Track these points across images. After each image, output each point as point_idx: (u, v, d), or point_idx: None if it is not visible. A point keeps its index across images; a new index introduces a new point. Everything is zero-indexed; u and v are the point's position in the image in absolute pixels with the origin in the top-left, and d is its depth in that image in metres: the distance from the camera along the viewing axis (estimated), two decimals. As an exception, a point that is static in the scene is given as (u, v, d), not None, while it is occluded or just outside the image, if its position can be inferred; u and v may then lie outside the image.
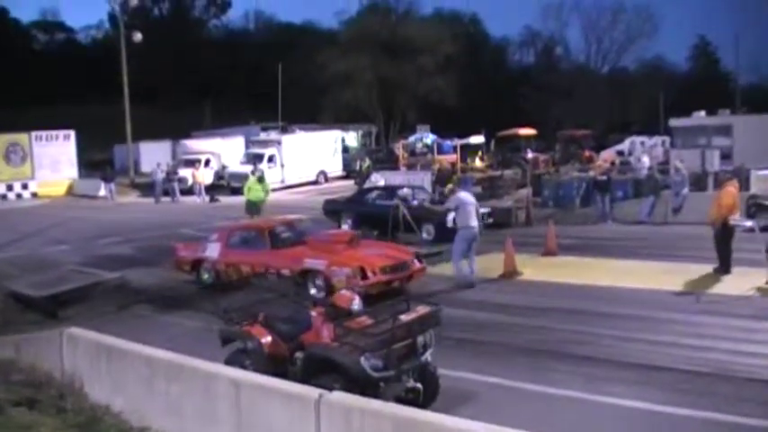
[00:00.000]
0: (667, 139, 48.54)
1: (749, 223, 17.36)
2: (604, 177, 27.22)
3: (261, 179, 28.06)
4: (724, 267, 16.38)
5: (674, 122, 45.43)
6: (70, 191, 45.37)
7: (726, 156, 35.93)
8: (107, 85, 55.19)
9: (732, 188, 17.05)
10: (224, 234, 18.48)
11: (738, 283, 15.38)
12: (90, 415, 9.03)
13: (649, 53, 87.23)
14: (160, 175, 41.25)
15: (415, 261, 16.68)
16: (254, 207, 26.73)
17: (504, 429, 6.09)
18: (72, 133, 46.18)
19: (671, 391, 9.69)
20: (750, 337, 11.84)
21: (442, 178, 34.07)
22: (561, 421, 8.81)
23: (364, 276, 15.37)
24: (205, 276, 17.84)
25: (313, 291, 15.93)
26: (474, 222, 16.94)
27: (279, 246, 17.09)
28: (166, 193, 40.57)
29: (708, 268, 16.53)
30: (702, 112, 44.47)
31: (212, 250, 17.92)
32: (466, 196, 17.54)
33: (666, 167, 33.39)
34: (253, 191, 27.05)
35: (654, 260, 18.54)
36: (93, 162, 49.96)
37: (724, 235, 16.47)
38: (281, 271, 16.43)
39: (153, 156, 46.30)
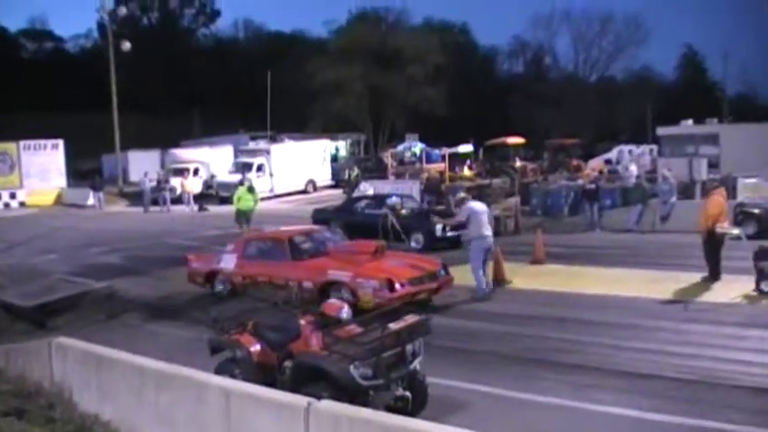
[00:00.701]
0: (655, 147, 48.76)
1: (736, 231, 17.45)
2: (593, 186, 27.32)
3: (251, 189, 28.02)
4: (712, 275, 16.48)
5: (662, 131, 45.69)
6: (59, 200, 45.19)
7: (713, 164, 36.14)
8: (96, 93, 55.05)
9: (719, 196, 17.15)
10: (240, 245, 17.67)
11: (726, 290, 15.48)
12: (79, 424, 9.03)
13: (637, 63, 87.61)
14: (148, 185, 41.19)
15: (442, 272, 15.94)
16: (243, 216, 26.68)
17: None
18: (60, 142, 46.05)
19: (659, 399, 9.74)
20: (737, 345, 11.91)
21: (430, 187, 34.17)
22: (550, 429, 8.86)
23: (391, 288, 14.67)
24: (220, 288, 17.12)
25: None
26: (487, 231, 16.53)
27: (300, 257, 16.35)
28: (155, 202, 40.46)
29: (696, 276, 16.63)
30: (690, 121, 44.75)
31: (228, 262, 17.22)
32: (477, 205, 17.07)
33: (654, 176, 33.48)
34: (242, 200, 26.96)
35: (642, 268, 18.62)
36: (82, 171, 49.89)
37: (711, 243, 16.57)
38: (303, 283, 15.51)
39: (142, 165, 46.20)
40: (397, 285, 14.73)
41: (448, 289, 15.92)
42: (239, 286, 16.35)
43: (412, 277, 15.15)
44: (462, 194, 19.00)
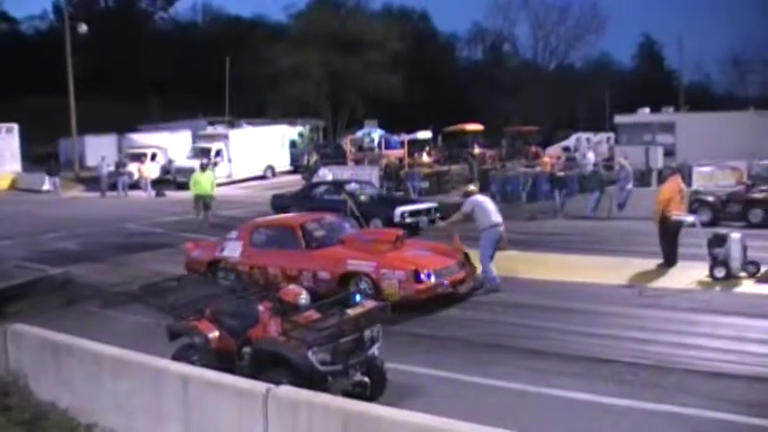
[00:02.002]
0: (612, 135, 49.25)
1: (691, 218, 17.68)
2: (561, 174, 27.56)
3: (203, 167, 27.56)
4: (667, 261, 16.75)
5: (619, 119, 46.10)
6: (14, 185, 44.70)
7: (669, 153, 36.56)
8: (52, 77, 54.22)
9: (672, 183, 17.42)
10: (247, 231, 16.43)
11: (680, 277, 15.71)
12: (35, 412, 8.95)
13: (596, 51, 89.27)
14: (106, 169, 40.79)
15: (466, 262, 15.22)
16: (200, 202, 26.12)
17: (451, 422, 6.17)
18: (15, 126, 45.49)
19: (614, 383, 9.86)
20: (691, 330, 12.08)
21: (389, 173, 34.27)
22: (508, 414, 8.91)
23: (418, 280, 13.83)
24: (223, 278, 15.45)
25: (358, 297, 14.50)
26: (498, 219, 15.81)
27: (314, 245, 15.26)
28: (113, 187, 40.07)
29: (651, 263, 16.87)
30: (647, 110, 45.22)
31: (233, 250, 16.06)
32: (481, 197, 16.57)
33: (611, 164, 33.88)
34: (198, 184, 26.29)
35: (599, 255, 18.84)
36: (38, 156, 49.26)
37: (664, 228, 16.83)
38: (319, 274, 14.61)
39: (99, 149, 45.84)
40: (424, 277, 13.90)
41: (471, 280, 15.14)
42: (246, 276, 15.15)
43: (439, 268, 14.34)
44: (472, 187, 17.88)
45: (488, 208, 15.94)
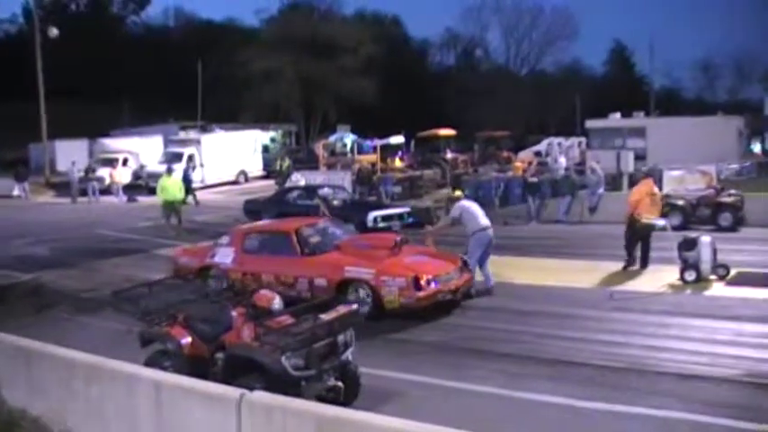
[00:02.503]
0: (584, 140, 49.52)
1: (662, 222, 17.83)
2: (535, 179, 27.65)
3: (170, 171, 26.90)
4: (628, 262, 17.05)
5: (591, 124, 46.39)
6: (-19, 191, 44.21)
7: (640, 157, 36.81)
8: (21, 81, 53.72)
9: (644, 186, 17.62)
10: (239, 237, 16.04)
11: (651, 280, 15.86)
12: (7, 420, 8.87)
13: (567, 56, 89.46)
14: (76, 174, 40.48)
15: (465, 268, 14.82)
16: (170, 208, 25.50)
17: (424, 425, 6.19)
18: (-18, 131, 45.05)
19: (587, 386, 9.93)
20: (662, 332, 12.18)
21: (362, 178, 34.26)
22: (482, 417, 8.95)
23: (418, 287, 13.43)
24: (213, 286, 14.40)
25: (355, 306, 14.14)
26: (486, 222, 15.81)
27: (309, 251, 14.86)
28: (83, 192, 39.77)
29: (622, 266, 17.05)
30: (618, 115, 45.59)
31: (224, 256, 15.68)
32: (467, 202, 16.56)
33: (583, 168, 34.02)
34: (166, 190, 25.53)
35: (570, 258, 18.95)
36: (7, 161, 48.79)
37: (631, 230, 17.10)
38: (316, 281, 14.22)
39: (69, 154, 45.34)
40: (425, 283, 13.50)
41: (469, 286, 14.84)
42: (238, 284, 14.10)
43: (439, 274, 13.96)
44: (458, 192, 18.02)
45: (476, 212, 15.94)
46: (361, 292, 13.81)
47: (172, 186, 25.80)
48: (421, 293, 13.37)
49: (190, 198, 34.94)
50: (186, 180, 36.75)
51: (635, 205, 17.01)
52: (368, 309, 13.42)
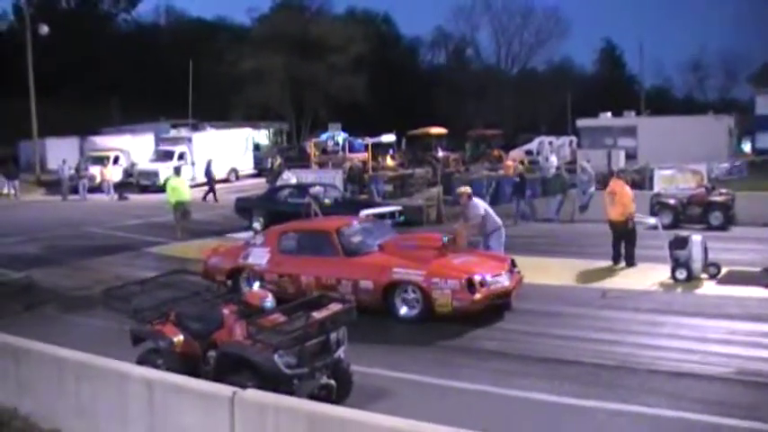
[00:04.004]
0: (575, 139, 49.69)
1: (653, 221, 17.84)
2: (517, 179, 27.64)
3: (178, 171, 26.54)
4: (613, 259, 17.24)
5: (582, 123, 46.57)
6: (-29, 188, 44.00)
7: (631, 156, 36.96)
8: (12, 78, 53.47)
9: (613, 185, 17.75)
10: (274, 237, 15.36)
11: (643, 278, 15.89)
12: (-4, 419, 8.84)
13: (558, 55, 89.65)
14: (67, 172, 40.37)
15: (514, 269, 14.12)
16: (180, 209, 24.41)
17: (416, 423, 6.19)
18: (-28, 128, 44.84)
19: (580, 384, 9.94)
20: (653, 331, 12.22)
21: (353, 177, 34.27)
22: (472, 415, 8.95)
23: (472, 290, 12.85)
24: (246, 289, 13.26)
25: (404, 309, 13.37)
26: (499, 220, 16.48)
27: (352, 252, 14.22)
28: (74, 190, 39.66)
29: (614, 264, 17.11)
30: (608, 114, 45.78)
31: (259, 257, 15.05)
32: (481, 200, 16.64)
33: (574, 167, 34.09)
34: (176, 191, 24.53)
35: (561, 257, 19.01)
36: (-4, 158, 48.65)
37: (612, 230, 17.36)
38: (361, 283, 13.57)
39: (60, 152, 45.25)
40: (479, 285, 12.87)
41: (520, 288, 14.15)
42: (274, 286, 13.72)
43: (492, 275, 13.32)
44: (468, 189, 17.47)
45: (490, 210, 16.15)
46: (411, 295, 13.32)
47: (182, 186, 25.00)
48: (476, 296, 12.79)
49: (210, 196, 34.98)
50: (208, 178, 36.75)
51: (607, 206, 17.26)
52: (417, 312, 13.19)
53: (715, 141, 38.88)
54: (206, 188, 36.64)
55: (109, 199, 39.02)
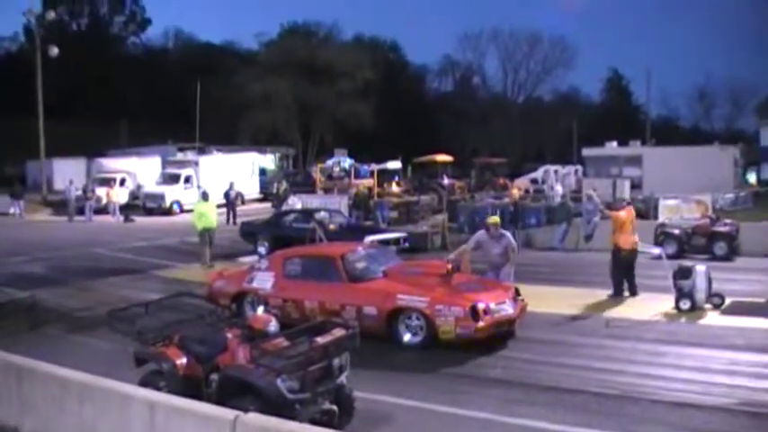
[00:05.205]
0: (580, 168, 49.72)
1: (657, 250, 17.86)
2: (511, 208, 27.64)
3: (206, 197, 24.71)
4: (614, 292, 17.17)
5: (587, 152, 46.69)
6: (-22, 208, 44.12)
7: (636, 185, 36.99)
8: (21, 98, 53.84)
9: (628, 213, 17.71)
10: (278, 261, 15.44)
11: (646, 308, 15.87)
12: (-2, 437, 8.85)
13: (564, 84, 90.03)
14: (74, 193, 40.48)
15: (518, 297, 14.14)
16: (207, 236, 23.31)
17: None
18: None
19: (581, 413, 9.93)
20: (656, 361, 12.19)
21: (359, 202, 34.31)
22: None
23: (476, 317, 12.85)
24: (250, 314, 13.83)
25: (408, 336, 13.40)
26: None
27: (357, 278, 14.25)
28: (81, 211, 39.77)
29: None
30: (614, 143, 45.89)
31: (263, 281, 15.09)
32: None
33: (579, 196, 34.14)
34: (205, 217, 23.49)
35: (566, 286, 19.02)
36: (3, 178, 48.77)
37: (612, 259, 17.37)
38: (365, 309, 13.60)
39: (67, 173, 45.38)
40: (482, 313, 12.89)
41: (524, 315, 14.21)
42: (279, 311, 13.99)
43: (497, 303, 13.33)
44: (497, 219, 17.74)
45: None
46: (414, 322, 13.32)
47: (210, 212, 24.01)
48: (480, 324, 12.80)
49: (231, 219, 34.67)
50: (229, 202, 36.24)
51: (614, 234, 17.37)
52: (420, 339, 13.22)
53: (720, 172, 38.94)
54: (225, 210, 36.17)
55: (115, 221, 39.13)
